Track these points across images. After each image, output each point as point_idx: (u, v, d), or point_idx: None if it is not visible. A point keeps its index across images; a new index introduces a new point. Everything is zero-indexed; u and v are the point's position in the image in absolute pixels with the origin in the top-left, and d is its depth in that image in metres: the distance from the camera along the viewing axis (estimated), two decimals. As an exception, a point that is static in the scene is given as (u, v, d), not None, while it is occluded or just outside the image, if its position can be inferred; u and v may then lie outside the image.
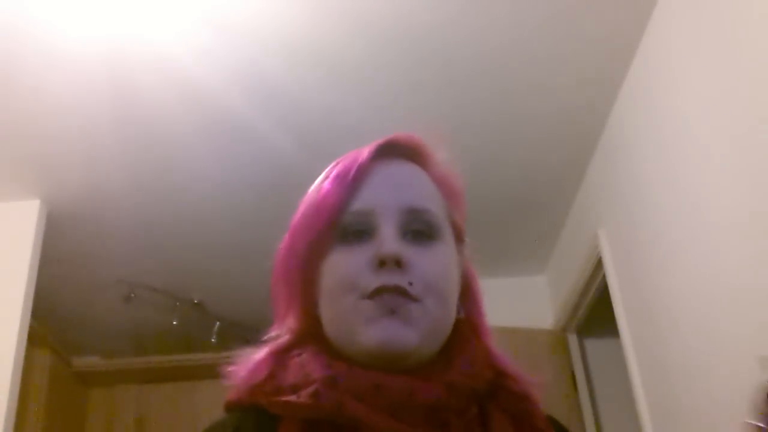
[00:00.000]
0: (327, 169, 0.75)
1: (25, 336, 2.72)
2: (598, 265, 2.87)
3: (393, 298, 0.65)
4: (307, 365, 0.67)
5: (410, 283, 0.66)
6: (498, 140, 2.74)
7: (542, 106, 2.56)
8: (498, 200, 3.11)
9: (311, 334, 0.73)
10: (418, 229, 0.70)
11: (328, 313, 0.70)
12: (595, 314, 3.21)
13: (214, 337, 3.73)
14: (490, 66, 2.37)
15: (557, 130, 2.70)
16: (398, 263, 0.66)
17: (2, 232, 2.82)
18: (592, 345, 3.48)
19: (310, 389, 0.64)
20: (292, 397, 0.64)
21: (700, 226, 2.03)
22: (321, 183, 0.74)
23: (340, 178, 0.72)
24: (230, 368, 0.72)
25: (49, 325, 3.28)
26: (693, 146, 2.04)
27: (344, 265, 0.69)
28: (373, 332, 0.65)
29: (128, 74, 2.27)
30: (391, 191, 0.72)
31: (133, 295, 3.46)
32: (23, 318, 2.71)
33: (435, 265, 0.69)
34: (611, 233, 2.75)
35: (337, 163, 0.75)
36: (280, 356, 0.71)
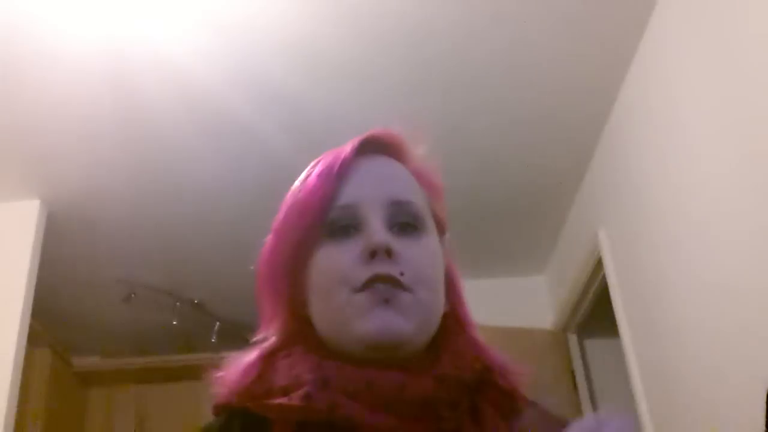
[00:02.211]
0: (308, 169, 0.76)
1: (25, 336, 2.72)
2: (598, 265, 2.87)
3: (386, 288, 0.66)
4: (296, 366, 0.67)
5: (402, 273, 0.67)
6: (498, 141, 2.74)
7: (542, 107, 2.56)
8: (498, 201, 3.11)
9: (299, 334, 0.72)
10: (404, 221, 0.71)
11: (319, 309, 0.70)
12: (595, 314, 3.21)
13: (214, 337, 3.73)
14: (490, 68, 2.37)
15: (557, 131, 2.70)
16: (388, 253, 0.67)
17: (2, 232, 2.82)
18: (592, 345, 3.48)
19: (302, 391, 0.63)
20: (284, 400, 0.64)
21: (699, 226, 2.03)
22: (303, 182, 0.74)
23: (324, 175, 0.72)
24: (218, 373, 0.71)
25: (49, 325, 3.28)
26: (692, 146, 2.04)
27: (334, 260, 0.69)
28: (368, 322, 0.65)
29: (128, 75, 2.27)
30: (376, 185, 0.72)
31: (133, 295, 3.46)
32: (23, 318, 2.71)
33: (423, 256, 0.70)
34: (611, 233, 2.75)
35: (318, 162, 0.75)
36: (269, 358, 0.71)
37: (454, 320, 0.74)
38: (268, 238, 0.76)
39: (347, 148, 0.74)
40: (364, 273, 0.66)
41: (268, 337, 0.75)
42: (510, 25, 2.20)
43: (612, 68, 2.40)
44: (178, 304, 3.63)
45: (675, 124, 2.14)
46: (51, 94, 2.34)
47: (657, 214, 2.31)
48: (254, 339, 0.75)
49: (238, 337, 3.51)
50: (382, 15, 2.13)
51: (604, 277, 2.84)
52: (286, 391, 0.65)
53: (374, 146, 0.76)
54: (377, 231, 0.68)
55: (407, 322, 0.66)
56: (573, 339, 3.47)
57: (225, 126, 2.55)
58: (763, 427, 1.59)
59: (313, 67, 2.31)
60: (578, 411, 3.25)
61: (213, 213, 3.04)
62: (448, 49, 2.28)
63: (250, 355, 0.72)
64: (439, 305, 0.71)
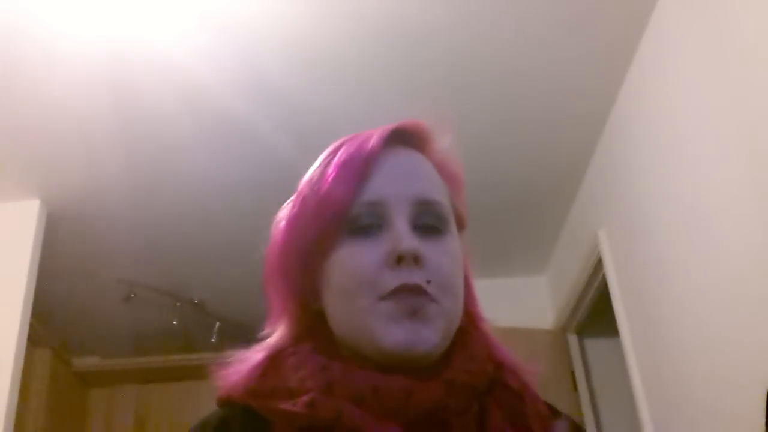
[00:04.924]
0: (325, 156, 0.72)
1: (25, 336, 2.72)
2: (598, 265, 2.87)
3: (413, 298, 0.64)
4: (302, 367, 0.66)
5: (428, 281, 0.65)
6: (498, 142, 2.74)
7: (542, 107, 2.56)
8: (499, 201, 3.11)
9: (309, 329, 0.71)
10: (429, 221, 0.68)
11: (338, 309, 0.68)
12: (595, 314, 3.21)
13: (214, 337, 3.73)
14: (490, 68, 2.37)
15: (557, 131, 2.70)
16: (416, 260, 0.64)
17: (2, 232, 2.81)
18: (592, 345, 3.48)
19: (306, 398, 0.62)
20: (288, 405, 0.63)
21: (699, 226, 2.03)
22: (323, 171, 0.70)
23: (347, 166, 0.68)
24: (223, 371, 0.70)
25: (49, 325, 3.28)
26: (692, 146, 2.04)
27: (358, 262, 0.66)
28: (394, 334, 0.63)
29: (128, 75, 2.27)
30: (402, 182, 0.69)
31: (133, 295, 3.46)
32: (23, 318, 2.71)
33: (448, 262, 0.68)
34: (611, 233, 2.75)
35: (337, 149, 0.71)
36: (275, 356, 0.70)
37: (466, 317, 0.72)
38: (280, 227, 0.73)
39: (373, 138, 0.70)
40: (390, 280, 0.64)
41: (275, 330, 0.73)
42: (509, 25, 2.20)
43: (612, 68, 2.39)
44: (178, 304, 3.63)
45: (675, 124, 2.14)
46: (51, 94, 2.34)
47: (657, 214, 2.31)
48: (262, 333, 0.73)
49: (238, 337, 3.51)
50: (382, 16, 2.13)
51: (604, 277, 2.84)
52: (291, 394, 0.64)
53: (399, 137, 0.73)
54: (404, 235, 0.65)
55: (434, 334, 0.64)
56: (573, 339, 3.47)
57: (225, 126, 2.55)
58: (763, 427, 1.59)
59: (313, 67, 2.31)
60: (578, 411, 3.25)
61: (213, 213, 3.04)
62: (447, 50, 2.28)
63: (257, 352, 0.71)
64: (460, 312, 0.69)
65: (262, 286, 0.75)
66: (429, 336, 0.64)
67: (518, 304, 3.60)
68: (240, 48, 2.21)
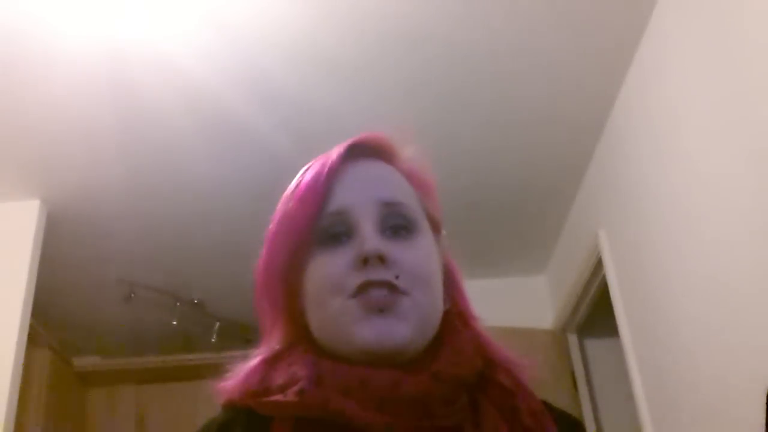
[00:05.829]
0: (297, 177, 0.76)
1: (25, 336, 2.72)
2: (598, 265, 2.87)
3: (381, 296, 0.66)
4: (294, 364, 0.68)
5: (397, 276, 0.66)
6: (498, 141, 2.74)
7: (542, 107, 2.56)
8: (498, 201, 3.11)
9: (300, 340, 0.73)
10: (396, 223, 0.71)
11: (316, 318, 0.70)
12: (595, 314, 3.21)
13: (214, 337, 3.73)
14: (491, 67, 2.37)
15: (557, 130, 2.70)
16: (381, 259, 0.66)
17: (2, 232, 2.81)
18: (592, 345, 3.48)
19: (296, 387, 0.64)
20: (279, 397, 0.65)
21: (699, 226, 2.03)
22: (293, 191, 0.74)
23: (312, 182, 0.72)
24: (222, 378, 0.72)
25: (49, 325, 3.27)
26: (691, 146, 2.04)
27: (327, 269, 0.68)
28: (365, 331, 0.65)
29: (129, 75, 2.27)
30: (365, 188, 0.72)
31: (133, 295, 3.45)
32: (23, 318, 2.71)
33: (418, 257, 0.70)
34: (611, 233, 2.75)
35: (307, 169, 0.75)
36: (271, 361, 0.72)
37: (456, 316, 0.74)
38: (262, 250, 0.76)
39: (333, 154, 0.74)
40: (356, 279, 0.66)
41: (269, 347, 0.75)
42: (509, 25, 2.20)
43: (612, 68, 2.40)
44: (178, 304, 3.62)
45: (674, 124, 2.14)
46: (51, 94, 2.34)
47: (657, 214, 2.31)
48: (256, 350, 0.75)
49: (238, 337, 3.52)
50: (381, 16, 2.14)
51: (604, 277, 2.84)
52: (282, 389, 0.66)
53: (362, 150, 0.76)
54: (369, 237, 0.68)
55: (406, 327, 0.66)
56: (573, 339, 3.47)
57: (225, 126, 2.55)
58: (763, 427, 1.59)
59: (313, 67, 2.31)
60: (578, 411, 3.25)
61: (213, 213, 3.04)
62: (447, 50, 2.28)
63: (254, 360, 0.73)
64: (437, 304, 0.70)
65: (255, 306, 0.78)
66: (401, 330, 0.65)
67: (518, 304, 3.60)
68: (240, 48, 2.21)
